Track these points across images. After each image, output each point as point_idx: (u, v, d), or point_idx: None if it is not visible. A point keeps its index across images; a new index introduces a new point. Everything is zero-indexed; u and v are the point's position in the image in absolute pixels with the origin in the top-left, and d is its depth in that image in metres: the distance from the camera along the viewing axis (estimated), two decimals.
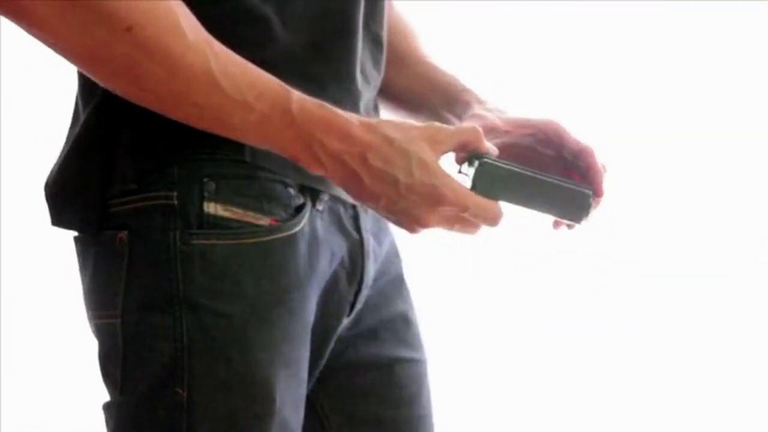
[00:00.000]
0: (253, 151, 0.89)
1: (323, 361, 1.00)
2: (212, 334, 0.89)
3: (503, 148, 0.95)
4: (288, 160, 0.86)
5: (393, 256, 1.09)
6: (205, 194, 0.90)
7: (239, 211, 0.90)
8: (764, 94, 2.26)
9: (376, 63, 1.02)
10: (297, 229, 0.93)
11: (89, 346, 0.97)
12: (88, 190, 0.93)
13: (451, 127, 0.90)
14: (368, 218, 1.02)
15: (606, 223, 1.05)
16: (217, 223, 0.90)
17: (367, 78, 0.99)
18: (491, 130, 0.99)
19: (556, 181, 0.91)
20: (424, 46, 1.14)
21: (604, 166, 0.98)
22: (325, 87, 0.91)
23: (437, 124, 0.89)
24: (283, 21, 0.90)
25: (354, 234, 1.00)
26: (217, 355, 0.89)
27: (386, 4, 1.03)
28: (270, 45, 0.89)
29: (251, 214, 0.91)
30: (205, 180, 0.90)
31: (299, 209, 0.93)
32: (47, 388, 2.32)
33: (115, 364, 0.92)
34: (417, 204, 0.85)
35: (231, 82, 0.81)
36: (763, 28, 2.27)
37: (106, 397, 0.94)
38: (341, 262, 0.99)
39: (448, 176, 0.85)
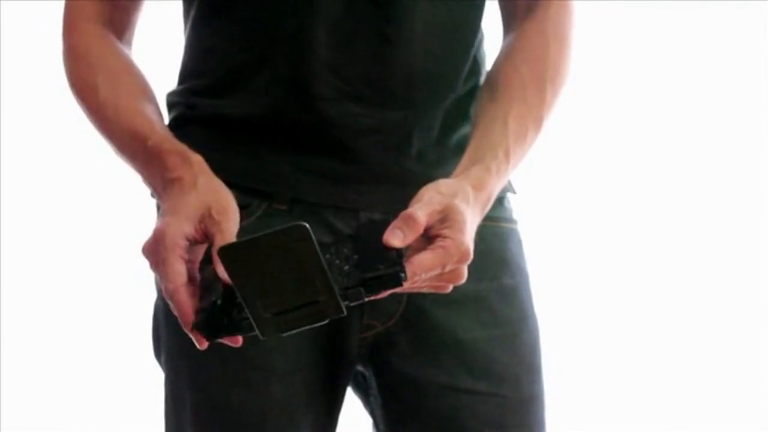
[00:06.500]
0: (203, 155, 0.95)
1: (350, 345, 1.05)
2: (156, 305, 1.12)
3: None
4: (234, 164, 0.99)
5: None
6: None
7: None
8: None
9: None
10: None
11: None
12: None
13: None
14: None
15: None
16: None
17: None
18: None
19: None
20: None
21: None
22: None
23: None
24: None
25: (345, 231, 1.01)
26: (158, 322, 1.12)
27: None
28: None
29: None
30: None
31: (242, 208, 0.93)
32: (47, 388, 2.32)
33: None
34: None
35: (117, 126, 1.02)
36: None
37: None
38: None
39: (174, 213, 0.89)
